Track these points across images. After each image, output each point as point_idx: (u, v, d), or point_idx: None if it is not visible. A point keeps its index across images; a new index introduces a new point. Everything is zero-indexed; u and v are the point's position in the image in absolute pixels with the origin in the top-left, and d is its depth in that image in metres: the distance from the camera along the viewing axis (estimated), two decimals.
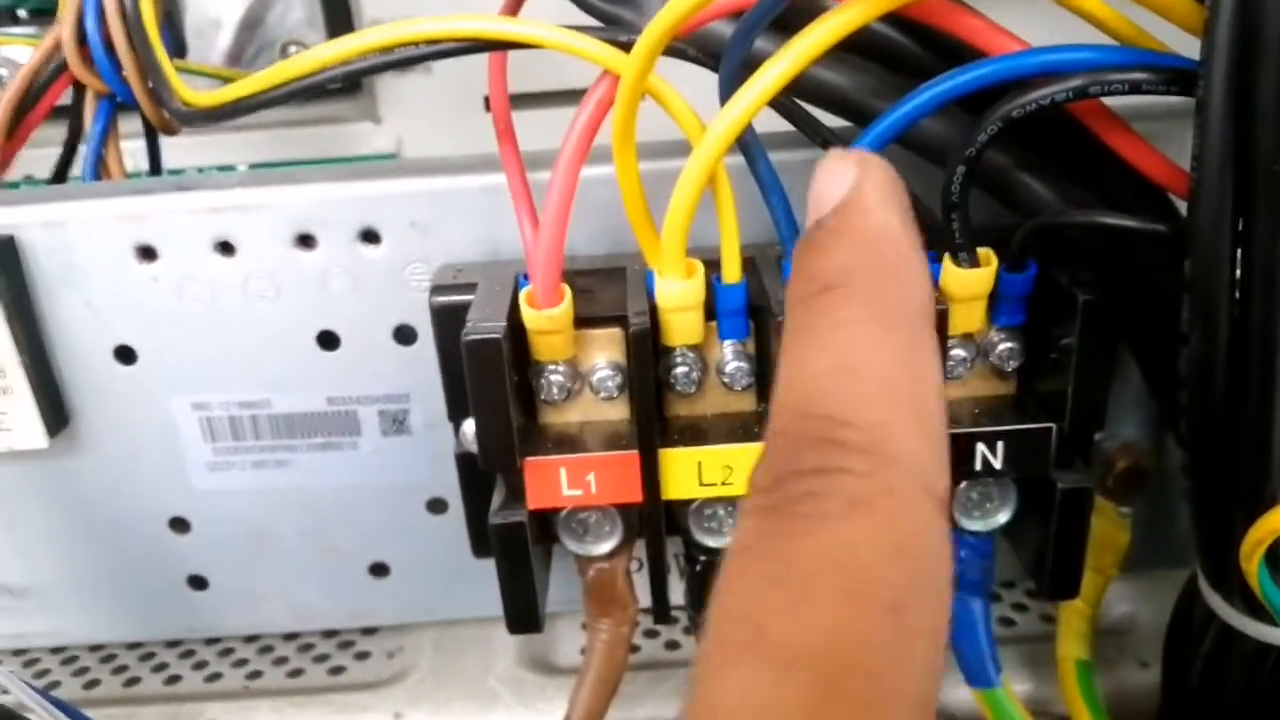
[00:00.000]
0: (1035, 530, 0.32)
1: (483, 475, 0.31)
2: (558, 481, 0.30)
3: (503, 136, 0.31)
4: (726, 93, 0.27)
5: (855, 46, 0.29)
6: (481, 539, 0.32)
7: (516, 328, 0.29)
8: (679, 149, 0.28)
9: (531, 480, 0.30)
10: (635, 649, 0.42)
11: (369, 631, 0.44)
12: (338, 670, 0.43)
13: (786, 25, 0.26)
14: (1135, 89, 0.24)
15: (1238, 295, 0.24)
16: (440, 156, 0.34)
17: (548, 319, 0.29)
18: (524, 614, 0.31)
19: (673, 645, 0.42)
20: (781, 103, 0.29)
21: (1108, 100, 0.26)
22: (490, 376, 0.28)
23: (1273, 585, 0.27)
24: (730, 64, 0.27)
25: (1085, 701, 0.37)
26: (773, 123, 0.30)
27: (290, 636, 0.44)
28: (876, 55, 0.30)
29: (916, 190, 0.28)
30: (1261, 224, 0.23)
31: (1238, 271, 0.24)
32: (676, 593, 0.34)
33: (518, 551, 0.30)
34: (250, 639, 0.44)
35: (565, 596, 0.35)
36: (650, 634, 0.43)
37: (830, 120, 0.30)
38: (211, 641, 0.44)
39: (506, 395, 0.28)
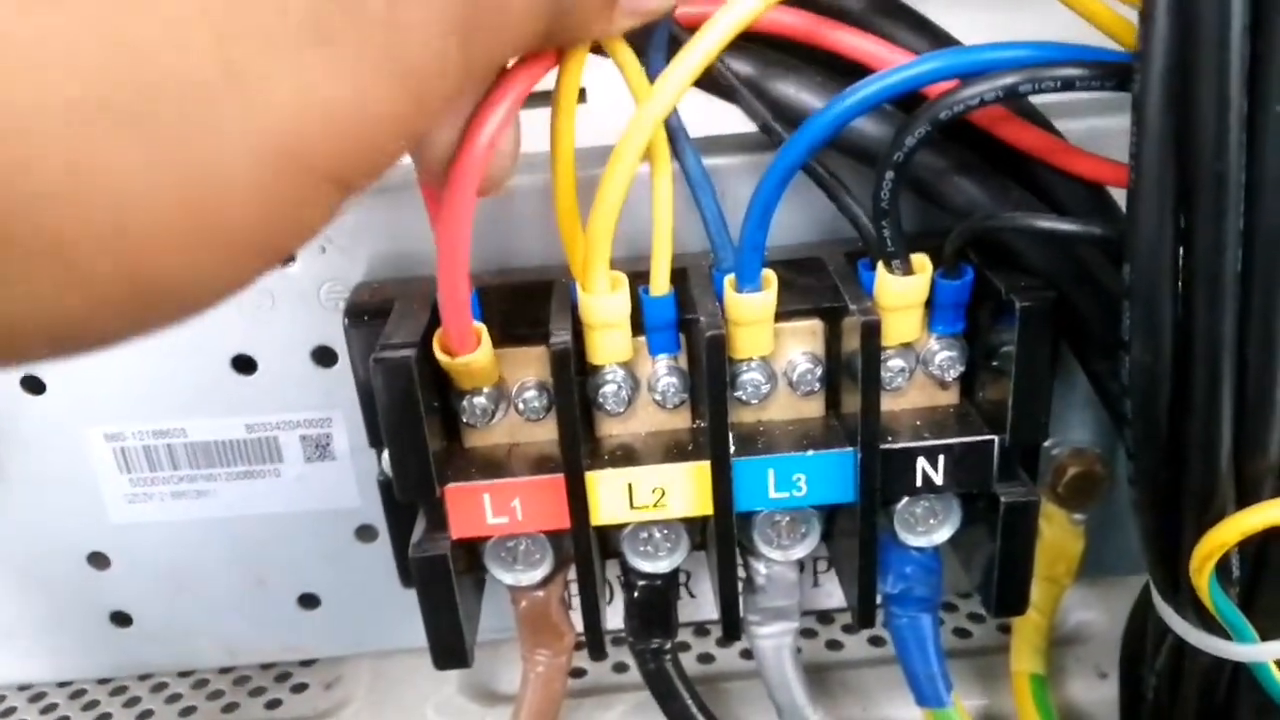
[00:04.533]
0: (980, 544, 0.30)
1: (408, 502, 0.30)
2: (481, 509, 0.29)
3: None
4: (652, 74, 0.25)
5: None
6: (408, 569, 0.30)
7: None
8: None
9: (454, 508, 0.29)
10: (580, 673, 0.41)
11: (306, 663, 0.42)
12: (274, 704, 0.41)
13: None
14: (1068, 86, 0.23)
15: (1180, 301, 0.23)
16: None
17: (463, 364, 0.27)
18: (450, 648, 0.30)
19: (620, 668, 0.41)
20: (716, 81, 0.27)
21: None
22: (402, 402, 0.26)
23: (1224, 598, 0.26)
24: (654, 42, 0.25)
25: (1040, 718, 0.36)
26: (706, 128, 0.29)
27: (225, 670, 0.42)
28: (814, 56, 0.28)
29: (855, 196, 0.27)
30: (1203, 227, 0.22)
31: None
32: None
33: (440, 585, 0.29)
34: (184, 674, 0.42)
35: (506, 623, 0.34)
36: None
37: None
38: (144, 677, 0.42)
39: (420, 421, 0.26)
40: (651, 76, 0.24)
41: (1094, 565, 0.36)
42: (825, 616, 0.43)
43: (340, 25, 0.15)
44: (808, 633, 0.43)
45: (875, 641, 0.42)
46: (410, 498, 0.28)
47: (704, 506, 0.29)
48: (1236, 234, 0.22)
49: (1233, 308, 0.23)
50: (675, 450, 0.29)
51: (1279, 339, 0.23)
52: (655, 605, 0.32)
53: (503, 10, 0.18)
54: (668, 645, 0.32)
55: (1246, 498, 0.25)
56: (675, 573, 0.31)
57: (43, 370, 0.34)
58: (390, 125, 0.17)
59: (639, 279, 0.28)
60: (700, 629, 0.43)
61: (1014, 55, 0.23)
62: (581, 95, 0.45)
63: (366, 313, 0.30)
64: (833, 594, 0.38)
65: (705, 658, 0.42)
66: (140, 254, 0.15)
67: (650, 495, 0.29)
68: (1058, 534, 0.35)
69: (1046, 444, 0.35)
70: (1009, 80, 0.23)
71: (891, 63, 0.25)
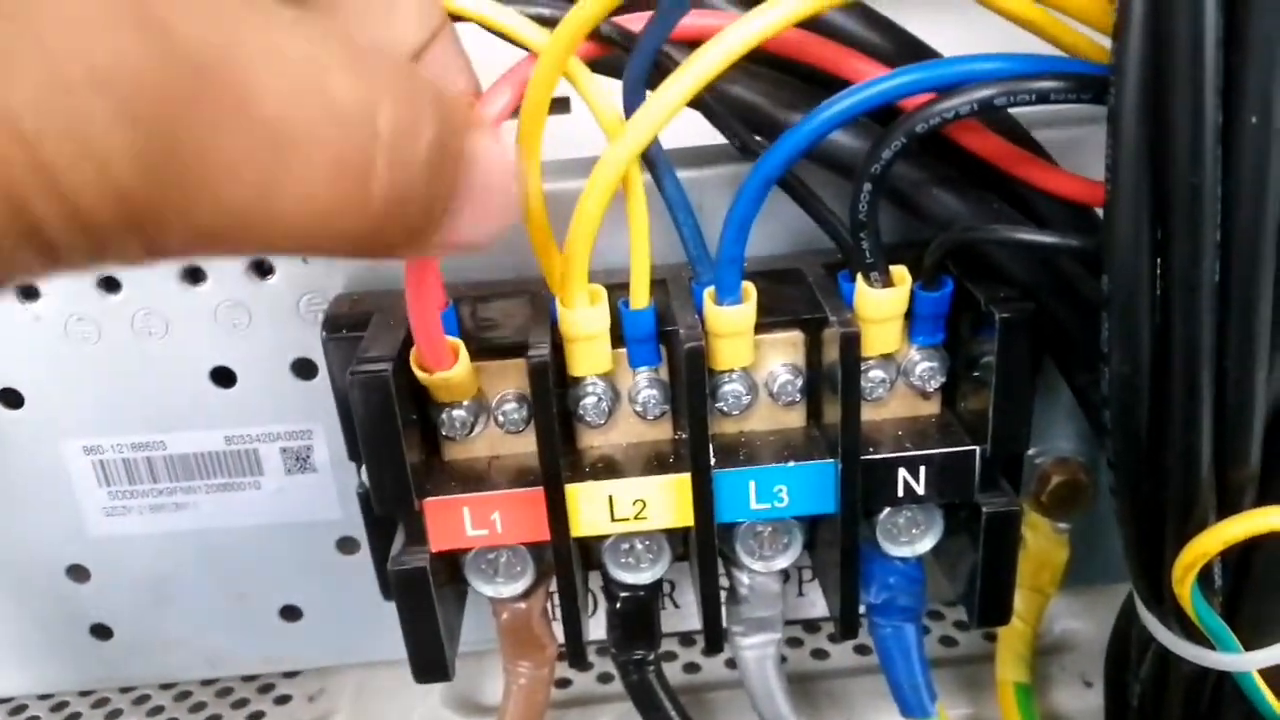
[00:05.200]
0: (963, 554, 0.30)
1: (386, 515, 0.30)
2: (461, 522, 0.28)
3: None
4: (630, 104, 0.25)
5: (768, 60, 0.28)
6: (387, 582, 0.30)
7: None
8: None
9: (433, 521, 0.28)
10: (566, 683, 0.41)
11: (289, 675, 0.42)
12: (257, 716, 0.41)
13: None
14: (1044, 99, 0.23)
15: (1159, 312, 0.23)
16: None
17: (440, 379, 0.27)
18: (430, 662, 0.30)
19: (605, 678, 0.41)
20: (701, 100, 0.27)
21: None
22: (379, 417, 0.26)
23: (1206, 608, 0.26)
24: (634, 73, 0.25)
25: None
26: (681, 139, 0.29)
27: (208, 682, 0.42)
28: (789, 68, 0.28)
29: (833, 208, 0.27)
30: (1179, 238, 0.22)
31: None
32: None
33: (420, 598, 0.29)
34: (165, 686, 0.42)
35: (490, 634, 0.33)
36: None
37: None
38: (125, 690, 0.42)
39: (397, 436, 0.26)
40: (628, 108, 0.24)
41: (1079, 574, 0.36)
42: (811, 625, 0.43)
43: None
44: (793, 641, 0.43)
45: (861, 650, 0.42)
46: (388, 511, 0.28)
47: (685, 518, 0.29)
48: (1214, 244, 0.22)
49: (1211, 318, 0.22)
50: (656, 462, 0.29)
51: (1257, 348, 0.23)
52: (637, 616, 0.31)
53: None
54: (650, 656, 0.32)
55: (1228, 507, 0.25)
56: (658, 584, 0.31)
57: (20, 383, 0.34)
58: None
59: (619, 290, 0.27)
60: (685, 638, 0.43)
61: (990, 68, 0.23)
62: (566, 105, 0.45)
63: (345, 325, 0.29)
64: (817, 603, 0.38)
65: (690, 667, 0.42)
66: None
67: (631, 507, 0.29)
68: (1042, 543, 0.35)
69: (1030, 453, 0.35)
70: (985, 93, 0.23)
71: (868, 75, 0.25)
